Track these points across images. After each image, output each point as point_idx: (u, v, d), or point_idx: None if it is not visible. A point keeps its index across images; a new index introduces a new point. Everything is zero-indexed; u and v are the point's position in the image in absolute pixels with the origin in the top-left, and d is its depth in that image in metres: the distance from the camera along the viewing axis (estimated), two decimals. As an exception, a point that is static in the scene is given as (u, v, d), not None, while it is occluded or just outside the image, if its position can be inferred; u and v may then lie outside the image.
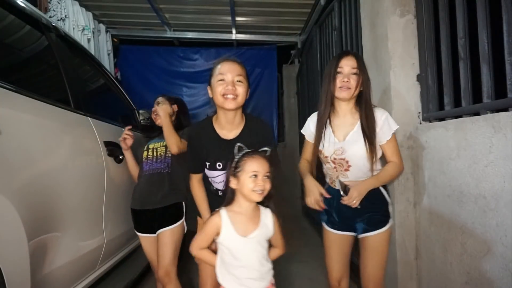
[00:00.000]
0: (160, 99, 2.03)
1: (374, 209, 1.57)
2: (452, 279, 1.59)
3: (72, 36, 2.22)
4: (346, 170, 1.58)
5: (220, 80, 1.49)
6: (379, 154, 1.57)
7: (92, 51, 3.96)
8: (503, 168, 1.30)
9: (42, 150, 1.39)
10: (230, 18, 4.54)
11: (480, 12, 1.48)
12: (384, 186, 1.61)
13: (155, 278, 1.95)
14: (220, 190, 1.60)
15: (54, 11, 3.50)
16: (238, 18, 4.61)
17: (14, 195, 1.17)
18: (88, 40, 3.95)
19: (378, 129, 1.53)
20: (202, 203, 1.65)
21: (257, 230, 1.35)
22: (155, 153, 1.95)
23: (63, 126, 1.60)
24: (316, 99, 4.02)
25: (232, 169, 1.35)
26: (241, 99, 1.50)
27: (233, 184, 1.35)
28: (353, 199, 1.48)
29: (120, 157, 2.09)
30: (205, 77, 5.78)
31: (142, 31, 5.04)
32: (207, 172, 1.59)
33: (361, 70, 1.55)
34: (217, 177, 1.57)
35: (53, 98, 1.61)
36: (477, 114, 1.50)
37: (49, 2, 3.46)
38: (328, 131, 1.61)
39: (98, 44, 4.31)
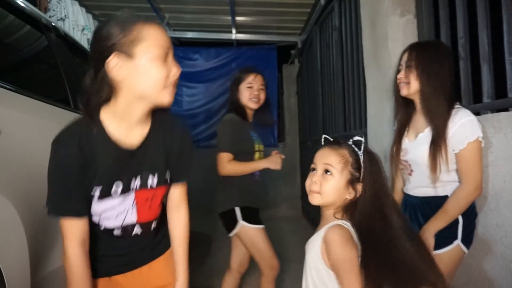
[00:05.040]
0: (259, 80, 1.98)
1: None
2: (453, 279, 1.59)
3: (72, 36, 2.22)
4: (409, 174, 1.43)
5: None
6: (451, 164, 1.31)
7: (92, 51, 3.96)
8: (503, 168, 1.30)
9: (42, 150, 1.39)
10: (230, 18, 4.53)
11: (480, 12, 1.49)
12: None
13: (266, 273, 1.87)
14: (114, 229, 1.03)
15: (54, 11, 3.50)
16: (238, 18, 4.61)
17: (14, 195, 1.16)
18: (88, 40, 3.95)
19: (450, 134, 1.28)
20: None
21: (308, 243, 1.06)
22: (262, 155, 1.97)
23: (63, 126, 1.60)
24: (316, 99, 4.03)
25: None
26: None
27: None
28: None
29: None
30: (205, 77, 5.76)
31: (142, 31, 5.04)
32: (94, 205, 0.99)
33: (418, 61, 1.34)
34: (114, 210, 1.00)
35: (53, 98, 1.61)
36: (477, 114, 1.50)
37: (49, 2, 3.46)
38: (406, 129, 1.47)
39: (98, 44, 4.31)
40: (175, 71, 0.94)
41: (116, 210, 1.01)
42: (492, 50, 1.47)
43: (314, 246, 1.00)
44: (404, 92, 1.40)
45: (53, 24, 1.87)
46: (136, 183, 1.02)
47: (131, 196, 1.02)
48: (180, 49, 5.48)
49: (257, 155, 1.92)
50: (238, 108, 1.94)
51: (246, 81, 1.95)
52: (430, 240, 1.31)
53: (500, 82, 1.42)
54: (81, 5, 3.90)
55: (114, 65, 0.89)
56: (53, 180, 0.94)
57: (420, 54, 1.36)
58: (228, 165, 1.81)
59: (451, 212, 1.30)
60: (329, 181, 0.99)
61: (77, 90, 1.85)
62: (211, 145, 5.41)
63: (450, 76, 1.35)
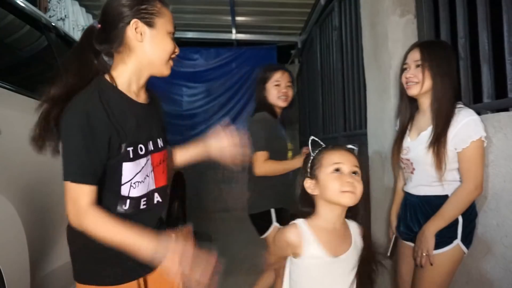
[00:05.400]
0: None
1: None
2: (452, 279, 1.59)
3: (72, 36, 2.22)
4: (411, 173, 1.42)
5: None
6: (452, 163, 1.31)
7: (92, 51, 3.95)
8: (503, 168, 1.30)
9: (42, 150, 1.39)
10: (230, 18, 4.53)
11: (480, 11, 1.48)
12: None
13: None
14: (141, 198, 1.00)
15: (54, 11, 3.49)
16: (238, 18, 4.61)
17: (14, 195, 1.17)
18: (88, 40, 3.95)
19: (452, 134, 1.28)
20: (139, 233, 0.90)
21: (351, 248, 1.07)
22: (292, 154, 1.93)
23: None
24: (316, 99, 4.03)
25: (307, 169, 1.09)
26: None
27: (310, 188, 1.08)
28: (422, 258, 1.31)
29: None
30: (205, 77, 5.74)
31: (142, 31, 5.04)
32: (127, 168, 0.96)
33: (430, 61, 1.33)
34: (143, 172, 1.00)
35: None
36: (477, 114, 1.50)
37: (49, 2, 3.46)
38: (408, 127, 1.46)
39: (98, 44, 4.30)
40: (177, 50, 1.07)
41: (144, 173, 1.00)
42: (492, 50, 1.47)
43: (353, 254, 1.08)
44: (414, 91, 1.37)
45: (53, 24, 1.87)
46: (150, 146, 1.04)
47: (150, 160, 1.04)
48: (180, 49, 5.43)
49: (290, 153, 1.89)
50: (266, 108, 1.90)
51: (273, 79, 1.90)
52: (430, 240, 1.31)
53: (500, 82, 1.42)
54: (81, 5, 3.89)
55: (136, 28, 0.97)
56: (74, 144, 0.90)
57: (432, 54, 1.35)
58: (264, 164, 1.76)
59: (451, 211, 1.29)
60: (359, 182, 1.02)
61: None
62: (211, 145, 5.41)
63: (456, 75, 1.37)
